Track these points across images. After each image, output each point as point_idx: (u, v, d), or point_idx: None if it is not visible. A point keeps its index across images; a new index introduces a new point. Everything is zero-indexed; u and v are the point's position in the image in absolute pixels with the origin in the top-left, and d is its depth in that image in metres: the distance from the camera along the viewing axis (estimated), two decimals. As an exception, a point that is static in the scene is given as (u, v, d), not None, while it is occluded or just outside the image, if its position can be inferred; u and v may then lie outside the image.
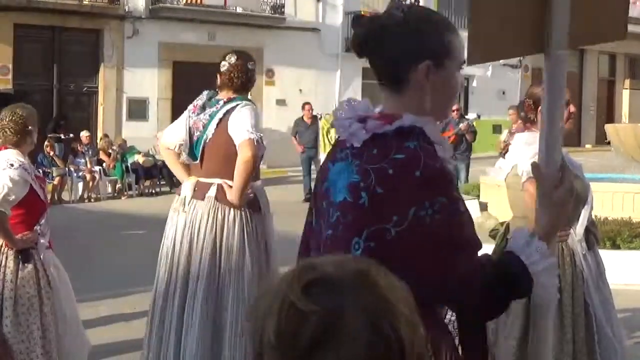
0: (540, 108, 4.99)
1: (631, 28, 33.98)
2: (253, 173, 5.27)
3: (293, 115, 21.40)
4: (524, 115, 5.11)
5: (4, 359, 1.53)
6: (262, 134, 5.28)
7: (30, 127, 5.47)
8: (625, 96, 36.05)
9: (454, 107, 17.75)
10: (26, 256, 5.35)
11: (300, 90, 26.44)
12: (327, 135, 18.77)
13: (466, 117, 17.69)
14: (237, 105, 5.34)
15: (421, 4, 28.94)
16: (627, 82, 36.18)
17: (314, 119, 19.20)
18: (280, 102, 26.30)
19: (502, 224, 5.33)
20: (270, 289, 1.37)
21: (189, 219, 5.36)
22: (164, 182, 20.74)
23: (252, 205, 5.39)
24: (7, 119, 5.42)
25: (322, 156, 19.17)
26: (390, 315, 1.31)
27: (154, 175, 20.83)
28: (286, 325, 1.31)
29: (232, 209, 5.31)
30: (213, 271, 5.27)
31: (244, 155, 5.18)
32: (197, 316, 5.20)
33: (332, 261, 1.38)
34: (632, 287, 9.14)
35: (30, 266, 5.35)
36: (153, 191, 20.66)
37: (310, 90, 26.31)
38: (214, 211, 5.33)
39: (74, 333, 5.69)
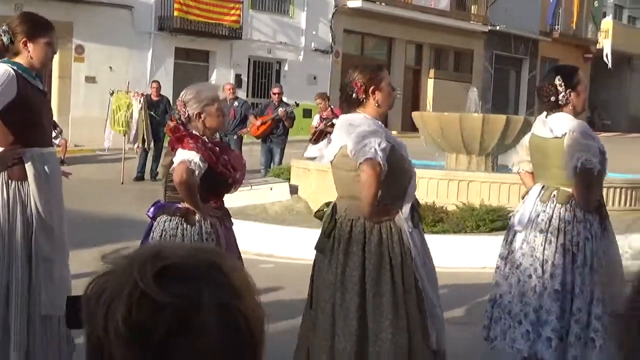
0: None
1: (436, 19, 35.25)
2: None
3: (103, 93, 20.92)
4: (356, 97, 5.10)
5: None
6: None
7: None
8: (430, 85, 37.30)
9: (275, 91, 17.82)
10: None
11: (111, 67, 25.87)
12: (116, 113, 18.33)
13: (286, 102, 17.80)
14: None
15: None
16: (432, 71, 37.44)
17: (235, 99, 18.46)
18: (90, 80, 25.65)
19: (327, 204, 5.35)
20: (117, 269, 1.32)
21: None
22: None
23: (12, 172, 5.16)
24: None
25: (110, 132, 18.74)
26: (243, 309, 1.31)
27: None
28: (138, 315, 1.26)
29: None
30: None
31: None
32: None
33: (182, 250, 1.35)
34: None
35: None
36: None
37: (122, 68, 25.78)
38: None
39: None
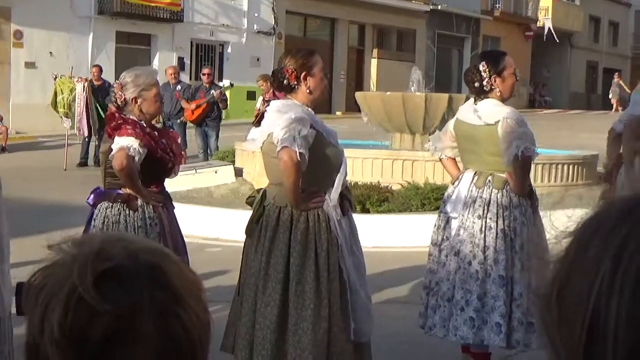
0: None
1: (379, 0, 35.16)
2: None
3: (43, 79, 20.65)
4: (287, 83, 5.06)
5: None
6: None
7: None
8: (373, 65, 37.37)
9: (206, 72, 17.58)
10: None
11: (51, 53, 25.54)
12: (57, 95, 18.11)
13: (218, 84, 17.60)
14: None
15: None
16: (375, 51, 37.50)
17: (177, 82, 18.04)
18: (30, 65, 25.28)
19: (258, 191, 5.32)
20: (59, 264, 1.28)
21: None
22: None
23: None
24: None
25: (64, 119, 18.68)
26: (184, 315, 1.28)
27: None
28: (74, 320, 1.22)
29: None
30: None
31: None
32: None
33: (125, 249, 1.30)
34: (380, 249, 9.55)
35: None
36: None
37: (62, 54, 25.46)
38: None
39: None
